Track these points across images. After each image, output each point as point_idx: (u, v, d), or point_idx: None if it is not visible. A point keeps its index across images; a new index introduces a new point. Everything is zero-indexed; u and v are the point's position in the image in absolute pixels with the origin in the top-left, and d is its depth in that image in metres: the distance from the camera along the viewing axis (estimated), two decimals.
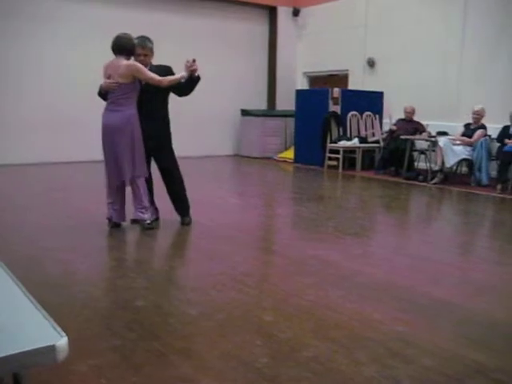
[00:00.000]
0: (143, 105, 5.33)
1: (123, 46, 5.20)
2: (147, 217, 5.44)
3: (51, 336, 1.52)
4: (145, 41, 5.34)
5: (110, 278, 4.13)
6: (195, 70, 5.26)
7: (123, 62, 5.16)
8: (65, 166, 10.53)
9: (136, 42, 5.27)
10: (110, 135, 5.25)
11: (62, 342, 1.49)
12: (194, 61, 5.23)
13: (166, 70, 5.43)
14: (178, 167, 5.77)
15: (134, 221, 5.63)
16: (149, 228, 5.43)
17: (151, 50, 5.41)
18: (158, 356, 2.76)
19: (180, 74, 5.29)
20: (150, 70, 5.35)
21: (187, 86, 5.39)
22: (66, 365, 2.51)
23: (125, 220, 5.58)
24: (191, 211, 5.83)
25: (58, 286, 3.83)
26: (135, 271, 4.28)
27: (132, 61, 5.25)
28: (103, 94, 5.35)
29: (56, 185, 8.64)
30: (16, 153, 10.46)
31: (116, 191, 5.44)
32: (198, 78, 5.38)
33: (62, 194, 7.62)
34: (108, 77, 5.21)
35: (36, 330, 1.57)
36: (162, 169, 5.68)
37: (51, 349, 1.47)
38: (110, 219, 5.52)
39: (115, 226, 5.52)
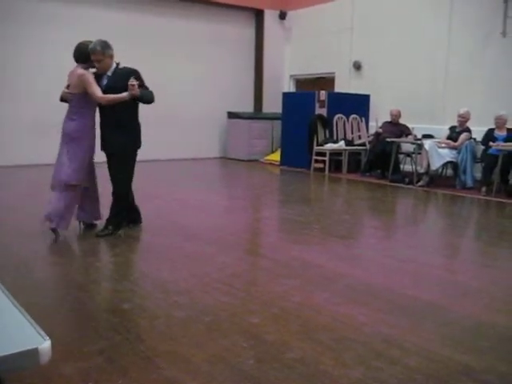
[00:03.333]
0: (111, 113, 5.28)
1: (79, 54, 5.25)
2: (53, 224, 5.23)
3: (34, 339, 1.50)
4: (95, 46, 5.15)
5: (96, 281, 4.11)
6: (135, 94, 5.11)
7: (78, 71, 5.19)
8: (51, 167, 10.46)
9: (89, 48, 5.19)
10: (63, 141, 5.31)
11: (45, 345, 1.48)
12: (132, 85, 5.08)
13: (128, 74, 5.21)
14: (124, 178, 5.48)
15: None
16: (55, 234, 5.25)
17: (102, 54, 5.17)
18: (144, 359, 2.75)
19: (123, 93, 5.12)
20: (113, 73, 5.29)
21: (141, 101, 5.35)
22: (52, 368, 2.51)
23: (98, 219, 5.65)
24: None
25: (46, 289, 3.82)
26: (121, 274, 4.26)
27: (84, 71, 5.19)
28: (63, 100, 5.40)
29: (45, 186, 8.58)
30: (7, 154, 10.48)
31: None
32: (141, 97, 5.23)
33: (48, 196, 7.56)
34: (67, 86, 5.29)
35: (19, 334, 1.56)
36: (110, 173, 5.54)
37: (34, 352, 1.46)
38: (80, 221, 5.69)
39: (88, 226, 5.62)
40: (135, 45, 10.72)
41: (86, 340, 2.98)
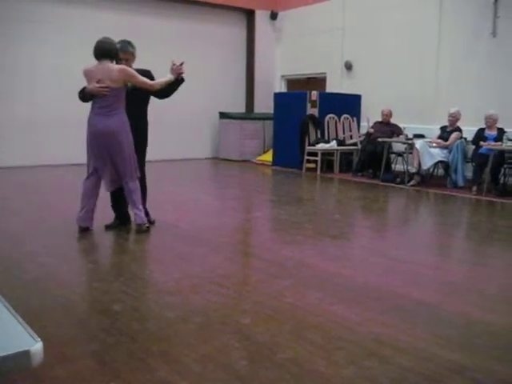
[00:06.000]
0: (128, 108, 5.35)
1: (108, 51, 5.19)
2: (145, 219, 5.52)
3: (26, 341, 1.50)
4: (126, 45, 5.38)
5: (87, 282, 4.10)
6: (182, 73, 5.45)
7: (114, 66, 5.16)
8: (48, 168, 10.43)
9: (118, 46, 5.28)
10: (107, 139, 5.19)
11: (36, 347, 1.47)
12: (181, 64, 5.38)
13: (147, 75, 5.48)
14: (144, 170, 5.83)
15: (108, 226, 5.67)
16: (145, 230, 5.49)
17: (132, 55, 5.44)
18: (136, 360, 2.74)
19: (167, 76, 5.40)
20: None
21: (171, 88, 5.51)
22: (44, 370, 2.49)
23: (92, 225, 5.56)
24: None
25: (37, 291, 3.79)
26: (112, 275, 4.25)
27: (123, 66, 5.24)
28: (87, 97, 5.26)
29: (38, 188, 8.55)
30: (4, 155, 10.46)
31: (95, 195, 5.47)
32: (182, 80, 5.55)
33: (44, 197, 7.55)
34: (98, 81, 5.11)
35: (10, 336, 1.55)
36: None
37: (26, 354, 1.45)
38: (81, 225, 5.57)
39: (84, 230, 5.50)
40: None
41: (77, 342, 2.97)
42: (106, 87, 5.09)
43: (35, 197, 7.64)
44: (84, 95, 5.26)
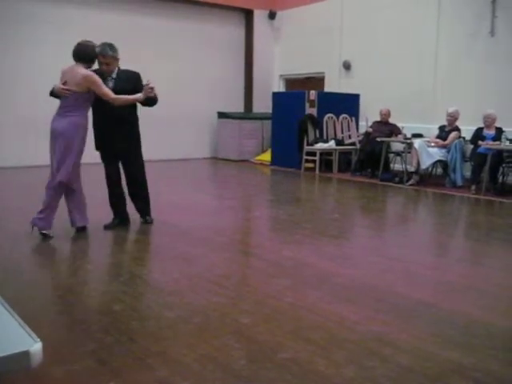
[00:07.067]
0: (113, 110, 5.31)
1: (84, 55, 5.19)
2: (40, 225, 5.25)
3: (25, 342, 1.49)
4: (105, 49, 5.25)
5: (86, 283, 4.09)
6: (150, 96, 5.35)
7: (82, 71, 5.12)
8: (49, 168, 10.41)
9: (97, 50, 5.23)
10: (56, 138, 5.23)
11: (36, 347, 1.47)
12: (152, 88, 5.28)
13: (134, 78, 5.47)
14: (144, 171, 5.81)
15: (107, 226, 5.65)
16: (44, 235, 5.22)
17: (113, 58, 5.33)
18: (135, 360, 2.74)
19: (137, 95, 5.32)
20: (118, 76, 5.40)
21: (146, 104, 5.49)
22: (42, 371, 2.48)
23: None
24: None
25: (35, 291, 3.79)
26: (111, 275, 4.25)
27: (90, 72, 5.17)
28: (54, 95, 5.29)
29: (38, 188, 8.54)
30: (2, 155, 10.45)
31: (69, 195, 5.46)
32: (154, 100, 5.48)
33: (40, 198, 7.52)
34: (64, 82, 5.14)
35: (10, 336, 1.55)
36: (128, 172, 5.73)
37: (25, 355, 1.44)
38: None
39: (81, 229, 5.49)
40: (125, 45, 10.63)
41: (76, 342, 2.96)
42: (68, 90, 5.10)
43: (35, 197, 7.60)
44: (52, 92, 5.28)
